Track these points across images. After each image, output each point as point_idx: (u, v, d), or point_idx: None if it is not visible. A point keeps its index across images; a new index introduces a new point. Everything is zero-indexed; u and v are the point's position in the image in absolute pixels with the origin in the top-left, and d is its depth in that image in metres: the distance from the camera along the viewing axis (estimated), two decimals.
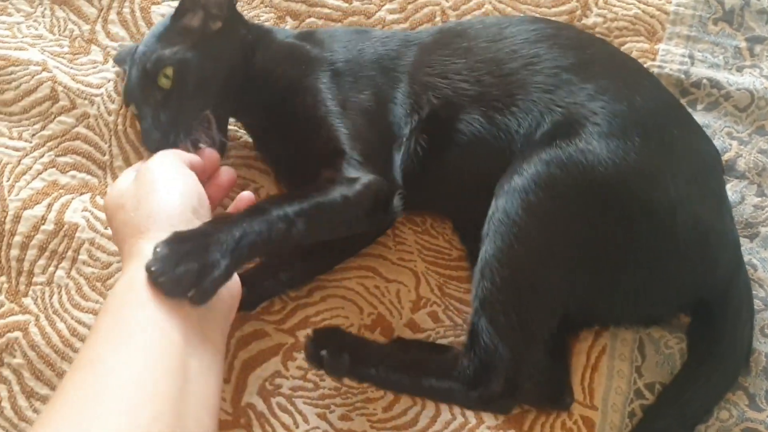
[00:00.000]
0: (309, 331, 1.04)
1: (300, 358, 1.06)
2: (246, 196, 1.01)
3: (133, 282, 0.79)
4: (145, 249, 0.80)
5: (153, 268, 0.78)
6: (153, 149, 1.02)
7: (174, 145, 1.02)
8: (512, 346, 0.96)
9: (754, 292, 1.10)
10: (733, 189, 1.18)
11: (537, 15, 1.29)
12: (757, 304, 1.10)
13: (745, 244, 1.14)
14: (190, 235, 0.82)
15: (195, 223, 0.85)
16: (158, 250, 0.79)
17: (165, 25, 1.11)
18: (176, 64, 1.05)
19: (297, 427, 1.03)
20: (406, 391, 1.03)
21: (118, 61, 1.23)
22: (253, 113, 1.16)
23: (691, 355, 1.07)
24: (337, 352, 0.98)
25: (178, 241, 0.81)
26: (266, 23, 1.28)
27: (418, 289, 1.12)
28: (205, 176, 1.00)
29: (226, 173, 1.04)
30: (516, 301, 0.96)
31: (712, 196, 1.02)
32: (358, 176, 1.01)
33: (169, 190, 0.88)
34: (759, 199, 1.17)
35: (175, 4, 1.17)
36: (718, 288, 1.03)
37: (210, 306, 0.81)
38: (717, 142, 1.19)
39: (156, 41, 1.09)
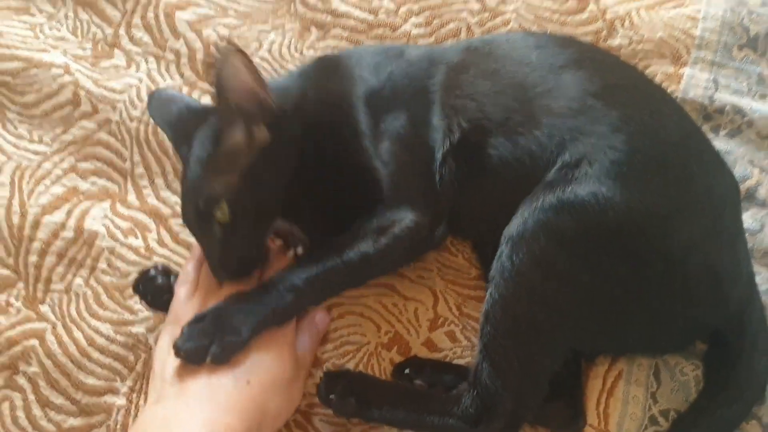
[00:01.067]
0: (321, 372, 1.05)
1: (317, 375, 1.07)
2: (320, 318, 1.07)
3: None
4: None
5: (178, 343, 0.92)
6: (228, 279, 1.02)
7: (248, 272, 1.02)
8: (513, 389, 0.97)
9: None
10: (753, 217, 1.18)
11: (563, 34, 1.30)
12: None
13: (763, 273, 1.14)
14: (207, 315, 0.95)
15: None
16: (184, 330, 0.93)
17: (208, 150, 1.01)
18: (230, 198, 0.98)
19: None
20: (410, 428, 1.04)
21: (153, 114, 1.17)
22: (308, 193, 1.07)
23: (708, 384, 1.07)
24: (345, 396, 1.00)
25: (197, 321, 0.94)
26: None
27: (436, 307, 1.12)
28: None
29: (321, 320, 1.08)
30: (518, 348, 0.97)
31: (727, 234, 1.02)
32: (399, 222, 1.01)
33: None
34: None
35: (202, 10, 1.18)
36: (731, 321, 1.04)
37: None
38: (738, 169, 1.20)
39: (202, 169, 1.00)
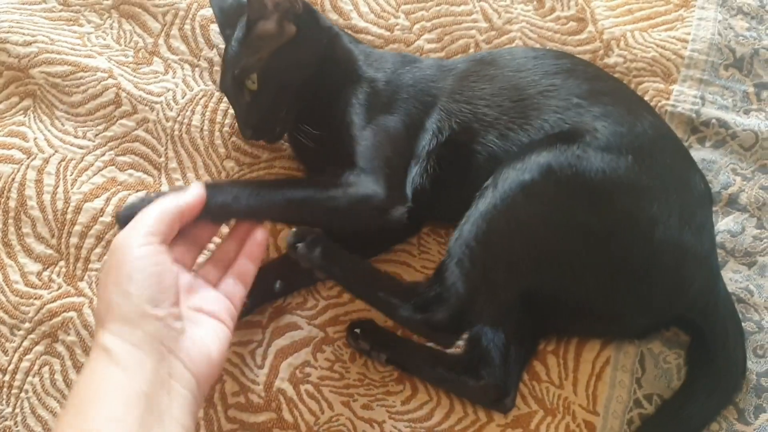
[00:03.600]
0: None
1: (329, 350, 1.13)
2: (259, 237, 1.04)
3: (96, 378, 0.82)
4: (104, 340, 0.83)
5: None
6: (248, 138, 1.20)
7: (270, 135, 1.20)
8: (468, 288, 1.02)
9: (748, 315, 1.15)
10: (735, 220, 1.23)
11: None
12: (751, 326, 1.15)
13: (743, 271, 1.19)
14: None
15: (153, 315, 0.85)
16: None
17: (243, 31, 1.18)
18: (259, 71, 1.15)
19: (323, 413, 1.09)
20: (361, 296, 1.12)
21: (212, 1, 1.30)
22: (307, 114, 1.19)
23: (690, 373, 1.12)
24: (313, 246, 1.06)
25: None
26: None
27: None
28: (192, 217, 0.97)
29: (261, 234, 1.05)
30: (485, 255, 1.02)
31: (693, 224, 1.06)
32: (357, 185, 1.07)
33: (122, 282, 0.85)
34: (758, 230, 1.22)
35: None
36: (696, 306, 1.08)
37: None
38: (722, 177, 1.25)
39: (239, 46, 1.18)
